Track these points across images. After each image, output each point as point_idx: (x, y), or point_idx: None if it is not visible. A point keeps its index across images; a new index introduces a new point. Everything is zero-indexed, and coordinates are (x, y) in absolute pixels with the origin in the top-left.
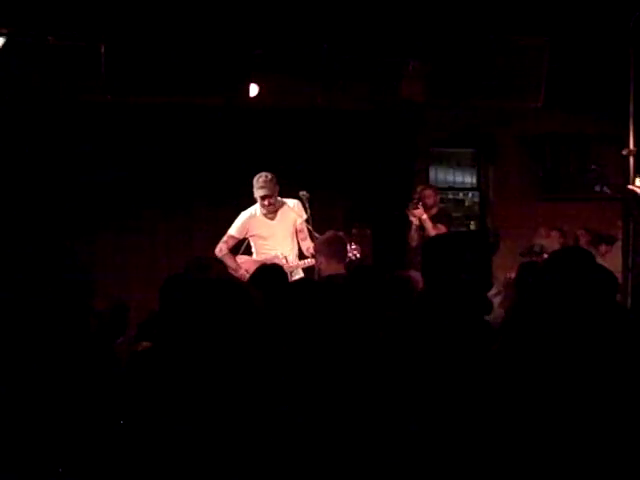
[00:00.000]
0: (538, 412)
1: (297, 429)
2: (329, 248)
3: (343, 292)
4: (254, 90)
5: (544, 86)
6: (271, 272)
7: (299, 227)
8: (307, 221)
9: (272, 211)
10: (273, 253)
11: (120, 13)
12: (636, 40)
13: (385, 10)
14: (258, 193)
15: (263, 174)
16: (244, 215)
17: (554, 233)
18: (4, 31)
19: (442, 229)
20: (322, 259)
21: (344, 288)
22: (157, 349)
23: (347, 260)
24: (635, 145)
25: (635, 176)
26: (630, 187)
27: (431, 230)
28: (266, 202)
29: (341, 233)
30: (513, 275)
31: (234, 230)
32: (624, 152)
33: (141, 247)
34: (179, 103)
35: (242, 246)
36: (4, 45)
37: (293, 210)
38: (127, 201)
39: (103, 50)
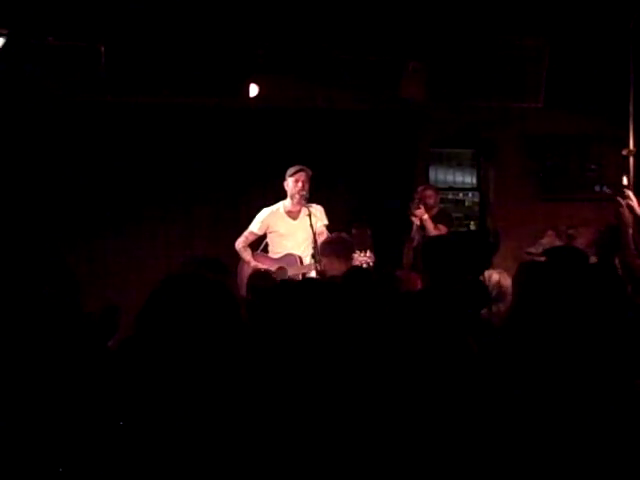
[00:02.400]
0: (538, 411)
1: (289, 428)
2: (331, 249)
3: (336, 292)
4: (254, 90)
5: (544, 86)
6: (261, 278)
7: (319, 230)
8: (327, 228)
9: (302, 199)
10: (289, 252)
11: (120, 14)
12: (636, 40)
13: (385, 10)
14: (292, 172)
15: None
16: (266, 211)
17: (585, 231)
18: (4, 31)
19: (443, 229)
20: (325, 260)
21: (338, 288)
22: (135, 345)
23: (360, 265)
24: (635, 145)
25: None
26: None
27: (432, 230)
28: (300, 184)
29: (345, 235)
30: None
31: (255, 226)
32: (624, 152)
33: (141, 247)
34: (179, 103)
35: (262, 243)
36: (4, 45)
37: (315, 214)
38: (127, 201)
39: (103, 50)
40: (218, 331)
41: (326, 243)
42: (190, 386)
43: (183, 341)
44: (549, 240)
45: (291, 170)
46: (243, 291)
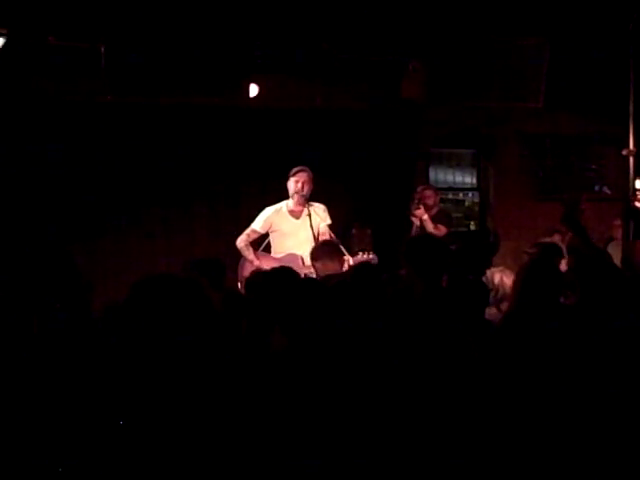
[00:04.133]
0: (537, 411)
1: (293, 426)
2: (323, 253)
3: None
4: (254, 90)
5: (544, 86)
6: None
7: (322, 230)
8: (329, 227)
9: (302, 202)
10: (291, 252)
11: (120, 14)
12: (636, 41)
13: (385, 10)
14: (293, 172)
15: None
16: (269, 210)
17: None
18: (4, 31)
19: (442, 229)
20: (318, 264)
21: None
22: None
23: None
24: (635, 145)
25: (635, 177)
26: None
27: (432, 230)
28: (299, 184)
29: (330, 238)
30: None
31: (257, 224)
32: (624, 152)
33: (141, 248)
34: (179, 103)
35: (263, 243)
36: (4, 45)
37: (318, 214)
38: (127, 202)
39: (103, 50)
40: (188, 327)
41: (316, 249)
42: (164, 382)
43: (155, 338)
44: (550, 242)
45: (292, 170)
46: (243, 289)
